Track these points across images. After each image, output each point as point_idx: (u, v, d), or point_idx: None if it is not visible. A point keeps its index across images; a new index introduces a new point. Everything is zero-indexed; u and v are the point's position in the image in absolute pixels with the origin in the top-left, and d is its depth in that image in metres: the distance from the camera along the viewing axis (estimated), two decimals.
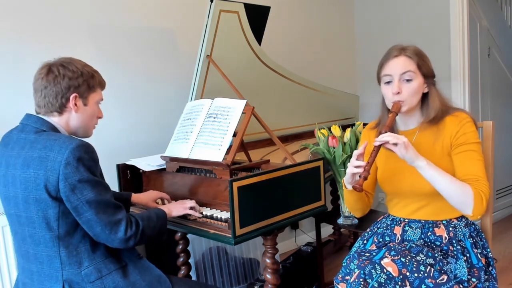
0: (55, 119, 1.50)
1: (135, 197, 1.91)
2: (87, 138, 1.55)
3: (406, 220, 1.63)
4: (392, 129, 1.61)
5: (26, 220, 1.42)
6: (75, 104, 1.49)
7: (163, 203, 1.95)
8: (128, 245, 1.46)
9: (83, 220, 1.40)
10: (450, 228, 1.56)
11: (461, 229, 1.56)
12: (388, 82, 1.57)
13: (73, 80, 1.47)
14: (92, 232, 1.42)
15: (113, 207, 1.44)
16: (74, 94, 1.48)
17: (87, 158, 1.39)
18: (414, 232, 1.59)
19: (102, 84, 1.58)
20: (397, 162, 1.54)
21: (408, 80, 1.54)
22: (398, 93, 1.53)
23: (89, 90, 1.52)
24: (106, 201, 1.42)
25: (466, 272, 1.45)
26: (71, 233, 1.43)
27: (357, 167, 1.47)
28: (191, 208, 1.80)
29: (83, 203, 1.38)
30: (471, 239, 1.55)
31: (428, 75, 1.57)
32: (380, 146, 1.47)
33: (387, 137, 1.44)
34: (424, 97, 1.60)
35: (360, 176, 1.45)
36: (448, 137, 1.55)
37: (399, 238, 1.61)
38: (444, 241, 1.54)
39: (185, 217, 1.84)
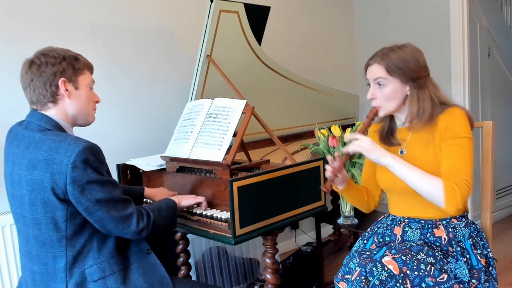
0: (52, 112, 1.46)
1: (148, 191, 1.94)
2: (90, 125, 1.56)
3: (406, 220, 1.63)
4: (389, 125, 1.68)
5: (31, 222, 1.42)
6: (66, 90, 1.45)
7: None
8: (141, 236, 1.49)
9: (95, 219, 1.41)
10: (450, 229, 1.55)
11: (461, 230, 1.55)
12: (369, 85, 1.63)
13: (57, 66, 1.43)
14: (104, 229, 1.43)
15: (122, 202, 1.45)
16: (62, 79, 1.43)
17: (93, 159, 1.39)
18: (414, 233, 1.59)
19: (89, 66, 1.53)
20: None
21: (380, 85, 1.57)
22: (373, 98, 1.59)
23: (76, 73, 1.47)
24: (116, 198, 1.43)
25: (467, 273, 1.45)
26: (78, 233, 1.43)
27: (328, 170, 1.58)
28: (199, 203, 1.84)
29: (93, 203, 1.38)
30: (471, 239, 1.54)
31: (408, 79, 1.55)
32: (348, 153, 1.59)
33: (348, 148, 1.56)
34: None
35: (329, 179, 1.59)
36: (439, 133, 1.54)
37: (399, 239, 1.61)
38: (443, 242, 1.53)
39: (185, 217, 1.85)
